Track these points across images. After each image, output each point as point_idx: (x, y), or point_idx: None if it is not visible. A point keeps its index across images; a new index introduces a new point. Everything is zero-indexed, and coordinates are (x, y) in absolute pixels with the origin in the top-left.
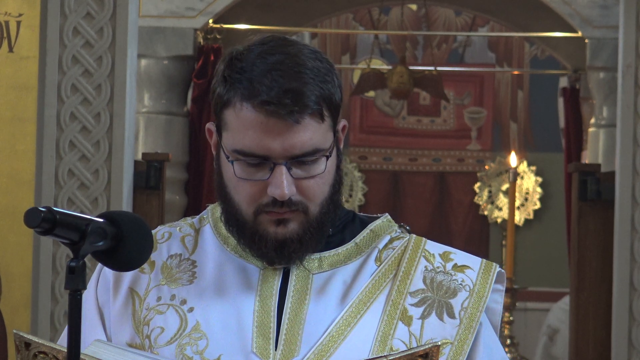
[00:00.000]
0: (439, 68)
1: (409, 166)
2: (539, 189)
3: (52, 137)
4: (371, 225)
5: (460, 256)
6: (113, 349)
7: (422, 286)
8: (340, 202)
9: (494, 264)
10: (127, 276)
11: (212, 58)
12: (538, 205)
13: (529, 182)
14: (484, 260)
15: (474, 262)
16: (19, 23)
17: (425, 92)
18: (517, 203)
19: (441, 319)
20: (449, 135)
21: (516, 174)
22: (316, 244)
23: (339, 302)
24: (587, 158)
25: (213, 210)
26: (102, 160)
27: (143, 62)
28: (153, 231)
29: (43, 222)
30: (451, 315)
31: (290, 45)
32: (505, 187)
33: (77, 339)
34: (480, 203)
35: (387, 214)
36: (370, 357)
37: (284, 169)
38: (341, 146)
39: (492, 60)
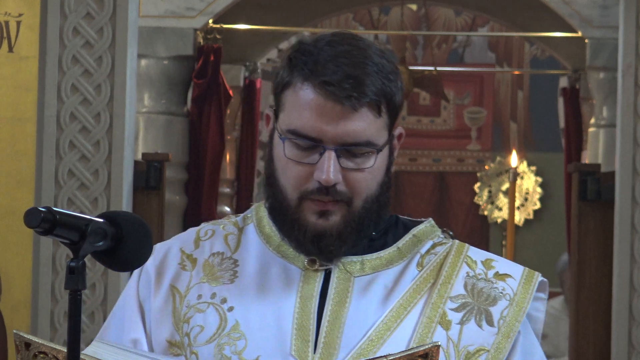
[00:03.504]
0: (439, 68)
1: (408, 166)
2: (539, 189)
3: (52, 137)
4: (414, 230)
5: (502, 264)
6: (113, 349)
7: (462, 292)
8: (388, 204)
9: (536, 273)
10: (169, 273)
11: (212, 58)
12: (538, 205)
13: (529, 182)
14: (526, 269)
15: (516, 270)
16: (19, 23)
17: (425, 92)
18: (517, 203)
19: (480, 325)
20: (449, 135)
21: (516, 174)
22: (354, 241)
23: (380, 306)
24: (587, 158)
25: (257, 209)
26: (102, 160)
27: (143, 62)
28: (196, 228)
29: (43, 222)
30: (490, 323)
31: (360, 40)
32: (505, 187)
33: (77, 339)
34: (480, 203)
35: (430, 218)
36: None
37: (333, 154)
38: (395, 153)
39: (492, 60)
